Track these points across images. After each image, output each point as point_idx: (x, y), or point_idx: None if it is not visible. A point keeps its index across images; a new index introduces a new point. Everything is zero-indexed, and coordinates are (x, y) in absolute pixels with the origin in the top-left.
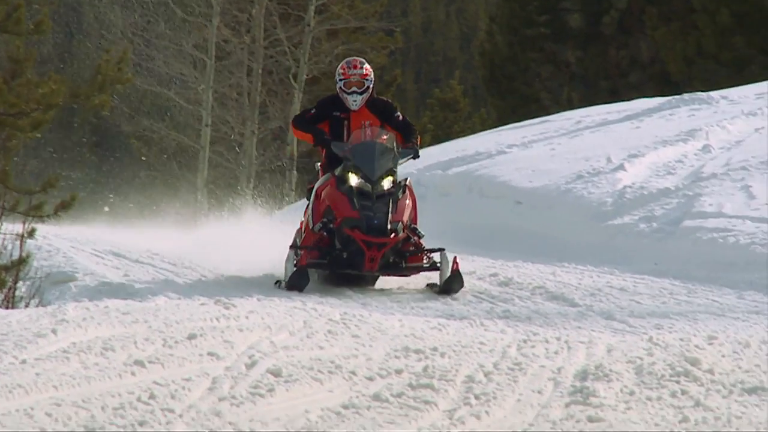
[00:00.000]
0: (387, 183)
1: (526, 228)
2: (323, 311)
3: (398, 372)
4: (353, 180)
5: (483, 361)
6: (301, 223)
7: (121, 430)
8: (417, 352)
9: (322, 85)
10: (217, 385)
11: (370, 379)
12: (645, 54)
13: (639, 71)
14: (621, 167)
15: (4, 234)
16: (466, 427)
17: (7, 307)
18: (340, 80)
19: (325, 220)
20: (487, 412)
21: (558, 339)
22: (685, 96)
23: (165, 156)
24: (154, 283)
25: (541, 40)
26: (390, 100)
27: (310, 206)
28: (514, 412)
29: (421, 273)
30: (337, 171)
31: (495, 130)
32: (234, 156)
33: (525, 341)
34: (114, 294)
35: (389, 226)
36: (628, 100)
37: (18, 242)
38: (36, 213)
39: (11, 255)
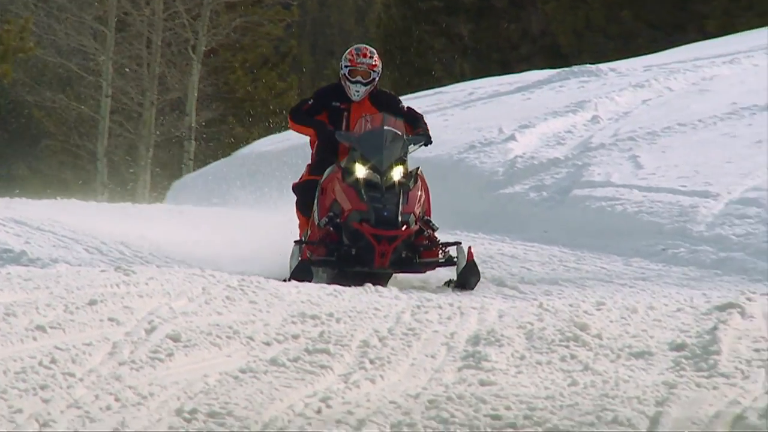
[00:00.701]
0: (397, 173)
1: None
2: (221, 278)
3: (295, 337)
4: (361, 171)
5: (378, 327)
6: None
7: (23, 393)
8: (313, 317)
9: (221, 57)
10: (118, 349)
11: (267, 344)
12: (535, 27)
13: (530, 44)
14: (512, 137)
15: None
16: (361, 391)
17: None
18: (346, 67)
19: (331, 214)
20: (381, 376)
21: (451, 305)
22: (575, 68)
23: (65, 126)
24: (55, 251)
25: (434, 14)
26: (393, 93)
27: (316, 202)
28: (408, 376)
29: (436, 269)
30: (343, 162)
31: None
32: (133, 126)
33: (419, 307)
34: (15, 261)
35: (400, 218)
36: (520, 72)
37: None
38: None
39: None
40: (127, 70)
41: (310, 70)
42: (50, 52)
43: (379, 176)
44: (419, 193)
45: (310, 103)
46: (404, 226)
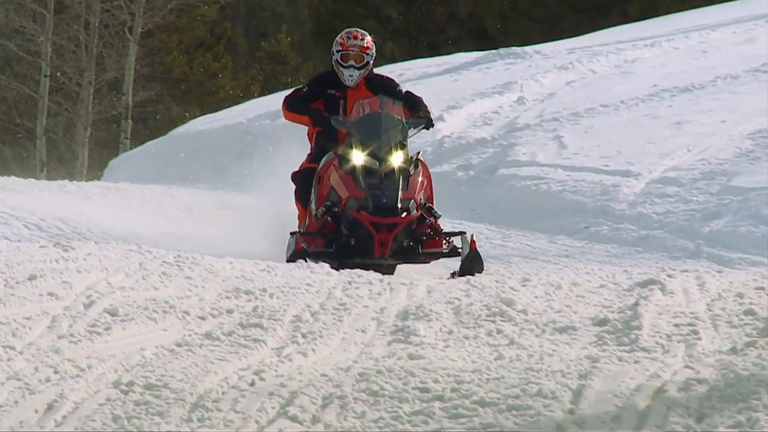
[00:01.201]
0: (397, 158)
1: None
2: (158, 254)
3: (229, 312)
4: (358, 157)
5: (310, 302)
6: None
7: None
8: (247, 293)
9: (157, 38)
10: (56, 323)
11: (203, 318)
12: (463, 11)
13: (457, 27)
14: (440, 118)
15: None
16: (293, 364)
17: None
18: (338, 52)
19: (328, 203)
20: (313, 350)
21: (381, 281)
22: (501, 51)
23: (5, 105)
24: None
25: None
26: (389, 76)
27: (313, 191)
28: (339, 350)
29: (440, 260)
30: (340, 149)
31: None
32: (72, 105)
33: (349, 283)
34: None
35: (400, 205)
36: (448, 54)
37: None
38: None
39: None
40: (66, 50)
41: (243, 51)
42: None
43: (377, 162)
44: (420, 178)
45: (304, 91)
46: (404, 213)
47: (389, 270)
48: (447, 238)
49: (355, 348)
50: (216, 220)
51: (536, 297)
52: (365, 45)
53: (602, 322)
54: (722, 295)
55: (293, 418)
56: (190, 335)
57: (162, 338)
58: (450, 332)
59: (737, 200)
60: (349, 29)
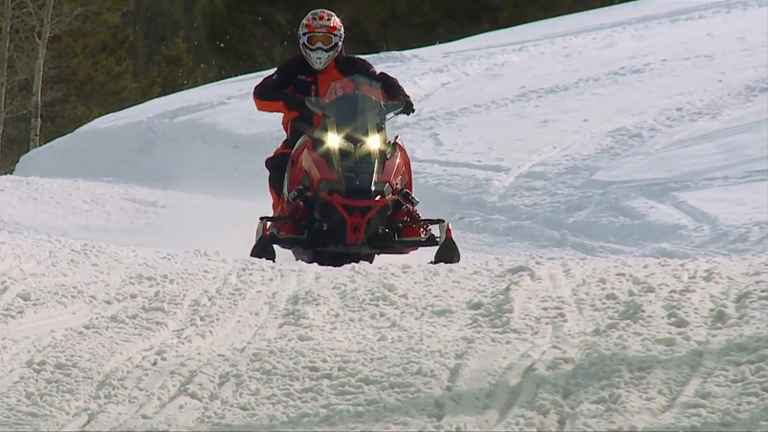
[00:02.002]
0: (373, 141)
1: (243, 170)
2: (66, 242)
3: (133, 296)
4: (333, 140)
5: (207, 287)
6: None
7: None
8: (149, 279)
9: (64, 43)
10: None
11: (108, 302)
12: (346, 17)
13: None
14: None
15: None
16: (192, 345)
17: None
18: (304, 35)
19: (300, 187)
20: (210, 332)
21: (272, 267)
22: (382, 54)
23: None
24: None
25: (255, 4)
26: (363, 58)
27: (287, 176)
28: (235, 332)
29: (419, 249)
30: (315, 132)
31: (216, 83)
32: None
33: (244, 270)
34: None
35: (374, 188)
36: None
37: None
38: None
39: None
40: None
41: (143, 54)
42: None
43: (353, 144)
44: (398, 162)
45: (274, 78)
46: (378, 197)
47: (367, 260)
48: (425, 226)
49: (249, 330)
50: (120, 212)
51: (416, 283)
52: (332, 25)
53: (476, 306)
54: (586, 281)
55: (193, 395)
56: (97, 318)
57: (71, 321)
58: (336, 315)
59: (599, 193)
60: (315, 10)
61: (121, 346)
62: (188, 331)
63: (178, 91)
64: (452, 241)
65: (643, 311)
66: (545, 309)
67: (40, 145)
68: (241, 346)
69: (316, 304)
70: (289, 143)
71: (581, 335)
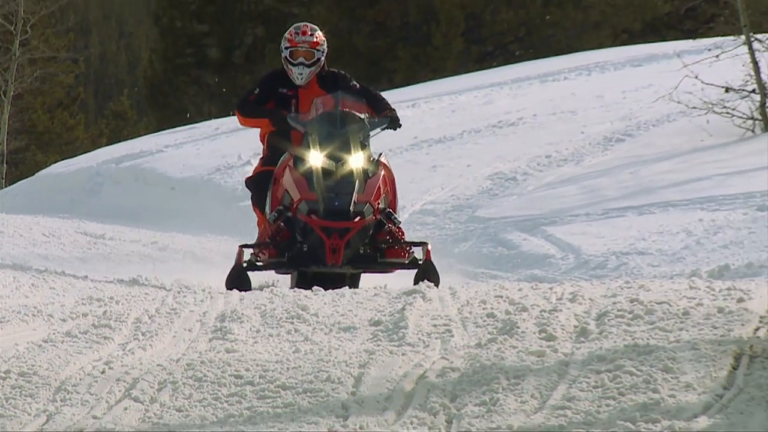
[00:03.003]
0: (356, 159)
1: (179, 208)
2: (27, 269)
3: (84, 315)
4: (314, 158)
5: (148, 307)
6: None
7: None
8: (99, 300)
9: (25, 100)
10: None
11: (64, 320)
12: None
13: None
14: (248, 162)
15: None
16: (135, 356)
17: None
18: (286, 49)
19: (281, 207)
20: (150, 345)
21: (203, 290)
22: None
23: None
24: None
25: (188, 67)
26: (342, 72)
27: (269, 194)
28: (171, 345)
29: (401, 270)
30: (297, 149)
31: (154, 134)
32: None
33: (179, 292)
34: None
35: (353, 209)
36: None
37: None
38: None
39: None
40: None
41: (93, 110)
42: None
43: (334, 163)
44: (380, 181)
45: (256, 92)
46: (358, 218)
47: (353, 282)
48: (408, 249)
49: (184, 344)
50: (73, 243)
51: (325, 303)
52: (315, 40)
53: (376, 323)
54: (469, 302)
55: (135, 399)
56: (54, 333)
57: (32, 336)
58: (258, 331)
59: (480, 227)
60: (298, 24)
61: (75, 357)
62: (132, 344)
63: (123, 140)
64: (431, 263)
65: (518, 327)
66: (435, 326)
67: (5, 186)
68: (176, 357)
69: (240, 322)
70: (266, 160)
71: (465, 348)
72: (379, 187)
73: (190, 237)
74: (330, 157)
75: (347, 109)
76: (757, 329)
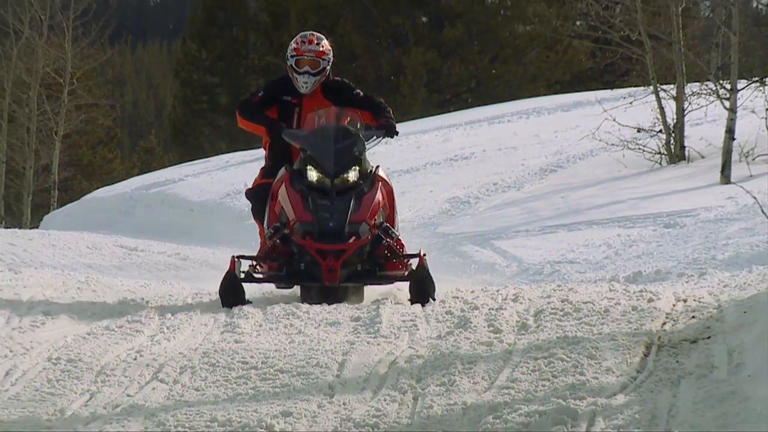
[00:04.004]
0: (352, 175)
1: (196, 225)
2: (74, 275)
3: (120, 313)
4: (309, 174)
5: (171, 307)
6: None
7: None
8: (132, 300)
9: (72, 138)
10: (11, 320)
11: (103, 317)
12: None
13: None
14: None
15: None
16: (161, 346)
17: None
18: (292, 57)
19: (277, 224)
20: (174, 337)
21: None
22: None
23: None
24: None
25: (203, 112)
26: (346, 80)
27: (267, 208)
28: (190, 337)
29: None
30: (295, 164)
31: (177, 166)
32: (19, 181)
33: (196, 294)
34: None
35: (348, 229)
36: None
37: None
38: None
39: None
40: (16, 146)
41: (127, 146)
42: None
43: (329, 180)
44: (377, 197)
45: (259, 95)
46: (354, 238)
47: (357, 296)
48: (406, 261)
49: (200, 336)
50: (112, 254)
51: (314, 304)
52: (321, 49)
53: (356, 319)
54: (441, 296)
55: (161, 381)
56: (95, 327)
57: (78, 329)
58: (260, 325)
59: (441, 241)
60: (304, 33)
61: (112, 346)
62: (158, 336)
63: (151, 171)
64: (425, 271)
65: (470, 322)
66: (404, 321)
67: (56, 209)
68: (194, 347)
69: (246, 318)
70: (267, 171)
71: (428, 339)
72: (375, 203)
73: (206, 249)
74: (324, 173)
75: (344, 124)
76: (664, 324)
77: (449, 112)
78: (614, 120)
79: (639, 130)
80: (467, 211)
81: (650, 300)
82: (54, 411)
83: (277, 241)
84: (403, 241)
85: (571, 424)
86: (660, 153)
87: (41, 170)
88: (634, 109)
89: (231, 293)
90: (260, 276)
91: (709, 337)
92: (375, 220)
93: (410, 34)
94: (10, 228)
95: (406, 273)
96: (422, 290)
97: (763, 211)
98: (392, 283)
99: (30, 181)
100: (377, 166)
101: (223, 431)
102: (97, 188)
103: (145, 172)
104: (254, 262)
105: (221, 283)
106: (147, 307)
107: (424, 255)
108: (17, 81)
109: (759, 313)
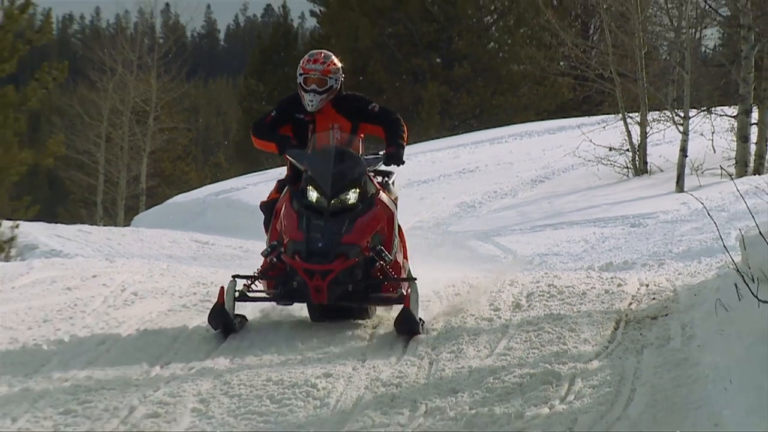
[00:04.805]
0: (351, 197)
1: (256, 225)
2: (158, 264)
3: (194, 294)
4: (310, 195)
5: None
6: None
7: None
8: (204, 284)
9: (156, 155)
10: (107, 300)
11: (181, 297)
12: None
13: None
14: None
15: None
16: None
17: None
18: (300, 75)
19: (275, 243)
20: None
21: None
22: None
23: (79, 190)
24: (79, 249)
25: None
26: (360, 94)
27: (270, 225)
28: (249, 314)
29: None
30: (297, 185)
31: (240, 177)
32: (114, 188)
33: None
34: (56, 255)
35: (337, 250)
36: None
37: None
38: None
39: None
40: (112, 161)
41: (201, 161)
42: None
43: (326, 201)
44: (372, 218)
45: (272, 114)
46: (341, 258)
47: (361, 313)
48: (395, 286)
49: (258, 313)
50: (188, 247)
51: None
52: (327, 68)
53: None
54: (444, 285)
55: (226, 348)
56: (174, 306)
57: (160, 307)
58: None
59: (451, 237)
60: (313, 51)
61: (188, 322)
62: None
63: (219, 181)
64: (408, 312)
65: (476, 302)
66: (421, 301)
67: (144, 211)
68: (251, 319)
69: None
70: (280, 187)
71: (441, 315)
72: (369, 226)
73: (263, 243)
74: (323, 194)
75: (343, 146)
76: (630, 304)
77: (458, 134)
78: (590, 141)
79: (610, 149)
80: (473, 213)
81: (619, 285)
82: (141, 372)
83: (274, 259)
84: (402, 264)
85: (556, 384)
86: (627, 167)
87: (132, 180)
88: (606, 132)
89: (218, 322)
90: (255, 295)
91: (666, 315)
92: (368, 242)
93: (427, 72)
94: (107, 226)
95: (397, 296)
96: (406, 329)
97: (709, 214)
98: (385, 305)
99: (123, 188)
100: (378, 191)
101: (277, 389)
102: (177, 194)
103: (215, 182)
104: (249, 282)
105: (210, 314)
106: (215, 290)
107: (415, 280)
108: (113, 109)
109: (706, 295)
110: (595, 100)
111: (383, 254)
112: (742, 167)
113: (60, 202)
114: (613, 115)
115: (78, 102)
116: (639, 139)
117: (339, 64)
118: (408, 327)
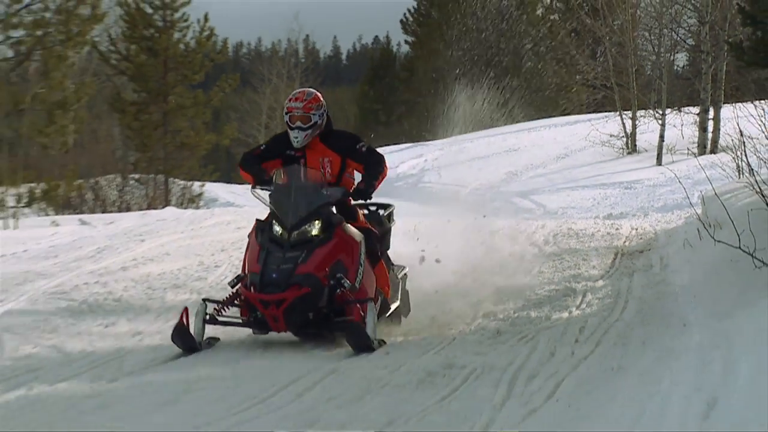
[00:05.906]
0: (314, 230)
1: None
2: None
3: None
4: (275, 228)
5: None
6: None
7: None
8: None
9: None
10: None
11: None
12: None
13: None
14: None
15: None
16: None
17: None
18: (285, 114)
19: (241, 274)
20: None
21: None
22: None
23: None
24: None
25: (374, 126)
26: (350, 132)
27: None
28: None
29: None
30: (262, 219)
31: None
32: None
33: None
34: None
35: (292, 279)
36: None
37: None
38: None
39: None
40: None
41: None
42: None
43: (286, 233)
44: (331, 250)
45: (261, 148)
46: (295, 287)
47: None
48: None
49: None
50: None
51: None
52: (307, 105)
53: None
54: (499, 228)
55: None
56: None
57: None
58: None
59: (502, 196)
60: (296, 90)
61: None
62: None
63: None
64: (358, 325)
65: (518, 239)
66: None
67: None
68: None
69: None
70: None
71: (497, 251)
72: (326, 256)
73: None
74: (283, 227)
75: (306, 180)
76: (624, 242)
77: (506, 125)
78: (597, 130)
79: (611, 136)
80: (516, 179)
81: (617, 229)
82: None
83: (237, 289)
84: (368, 290)
85: (573, 296)
86: (623, 148)
87: None
88: (608, 123)
89: (180, 342)
90: (225, 319)
91: (649, 250)
92: (326, 271)
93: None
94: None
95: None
96: (353, 342)
97: (679, 181)
98: (337, 330)
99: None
100: (342, 222)
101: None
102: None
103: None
104: (218, 306)
105: (173, 333)
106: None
107: (373, 301)
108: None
109: (677, 236)
110: (600, 102)
111: (342, 281)
112: (702, 149)
113: (233, 170)
114: (613, 113)
115: (246, 101)
116: (631, 129)
117: (321, 101)
118: (355, 341)
